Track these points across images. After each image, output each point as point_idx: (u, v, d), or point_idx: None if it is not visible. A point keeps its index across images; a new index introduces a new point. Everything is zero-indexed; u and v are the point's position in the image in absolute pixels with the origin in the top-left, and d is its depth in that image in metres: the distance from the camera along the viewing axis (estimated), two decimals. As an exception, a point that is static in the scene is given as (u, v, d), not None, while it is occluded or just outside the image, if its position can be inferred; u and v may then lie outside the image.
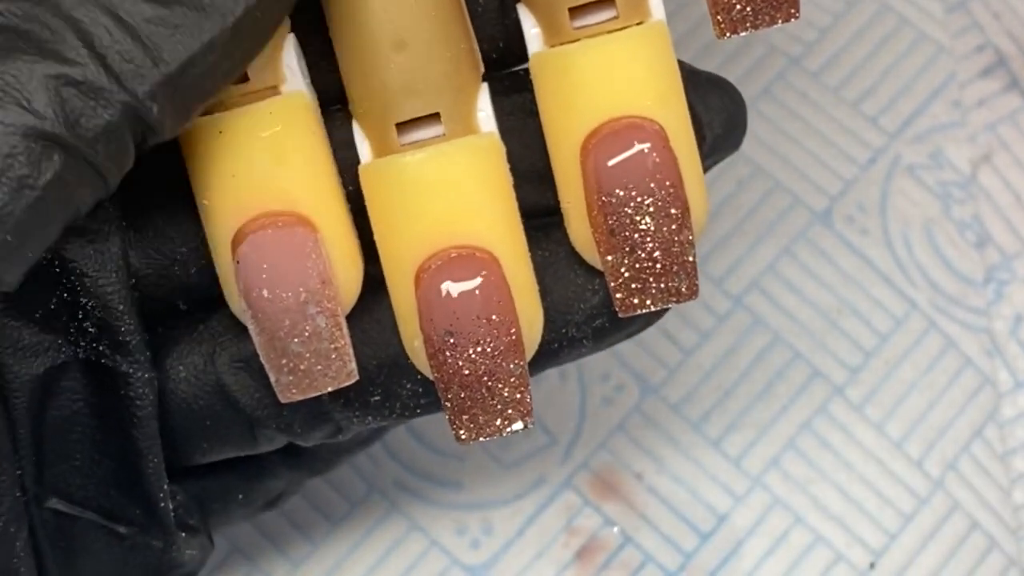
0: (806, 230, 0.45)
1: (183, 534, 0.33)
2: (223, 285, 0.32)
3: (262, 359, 0.30)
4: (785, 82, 0.46)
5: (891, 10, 0.47)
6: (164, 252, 0.32)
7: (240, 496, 0.35)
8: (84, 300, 0.31)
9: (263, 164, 0.30)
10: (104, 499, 0.32)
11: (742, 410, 0.43)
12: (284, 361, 0.30)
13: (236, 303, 0.31)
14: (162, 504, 0.32)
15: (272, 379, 0.31)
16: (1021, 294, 0.45)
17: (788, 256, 0.45)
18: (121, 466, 0.32)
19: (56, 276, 0.31)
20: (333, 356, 0.30)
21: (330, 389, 0.31)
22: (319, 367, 0.30)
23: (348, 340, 0.31)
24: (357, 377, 0.31)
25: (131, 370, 0.32)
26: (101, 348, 0.32)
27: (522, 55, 0.32)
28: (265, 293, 0.30)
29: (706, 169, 0.32)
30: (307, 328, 0.30)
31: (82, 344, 0.32)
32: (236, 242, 0.30)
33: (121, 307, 0.31)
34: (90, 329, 0.32)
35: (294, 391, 0.31)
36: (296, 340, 0.30)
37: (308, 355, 0.30)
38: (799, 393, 0.43)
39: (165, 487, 0.32)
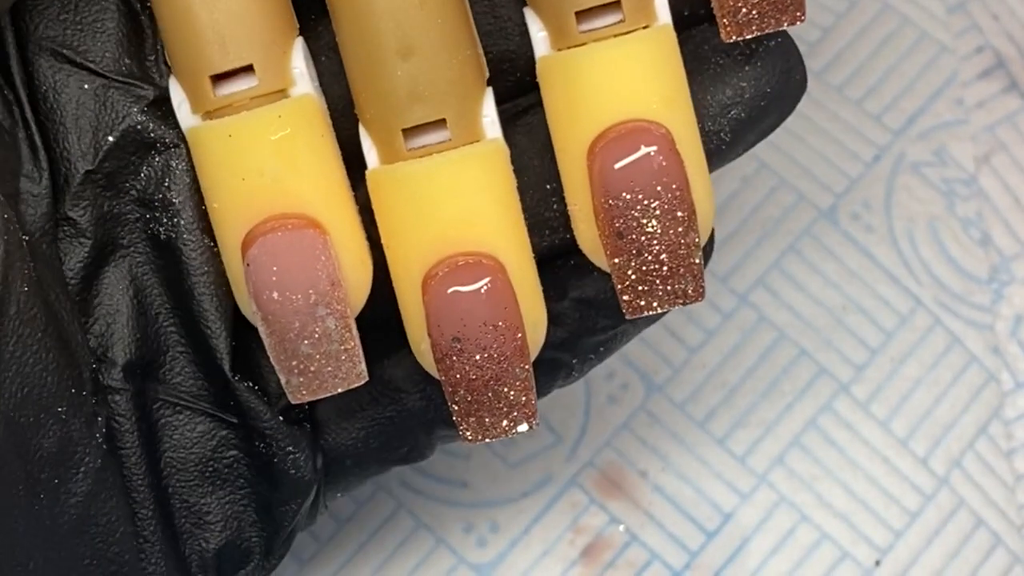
0: (811, 227, 0.45)
1: (280, 418, 0.34)
2: (233, 288, 0.32)
3: (272, 361, 0.31)
4: (789, 80, 0.46)
5: (893, 10, 0.47)
6: None
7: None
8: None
9: (272, 167, 0.31)
10: (210, 387, 0.33)
11: (747, 408, 0.43)
12: (294, 363, 0.31)
13: (247, 305, 0.32)
14: (238, 391, 0.33)
15: (283, 381, 0.31)
16: (1021, 295, 0.45)
17: (793, 253, 0.45)
18: (198, 349, 0.33)
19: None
20: (343, 357, 0.31)
21: (340, 390, 0.31)
22: (329, 368, 0.31)
23: (358, 341, 0.31)
24: (367, 378, 0.31)
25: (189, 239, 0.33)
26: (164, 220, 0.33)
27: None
28: (275, 295, 0.30)
29: (770, 131, 0.33)
30: (317, 330, 0.30)
31: (175, 222, 0.33)
32: (246, 245, 0.31)
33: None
34: (174, 200, 0.33)
35: (304, 392, 0.31)
36: (306, 342, 0.31)
37: (318, 356, 0.31)
38: (804, 390, 0.44)
39: (236, 379, 0.33)
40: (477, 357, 0.31)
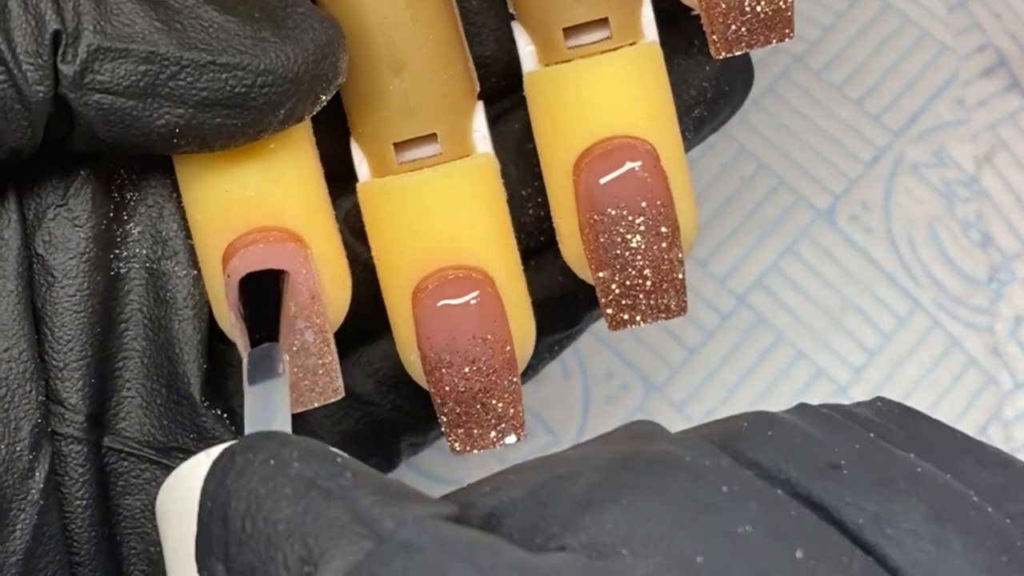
0: (810, 228, 0.46)
1: None
2: (212, 300, 0.33)
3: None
4: (788, 80, 0.47)
5: (893, 8, 0.48)
6: None
7: None
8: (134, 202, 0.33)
9: (256, 181, 0.32)
10: (158, 431, 0.34)
11: (746, 409, 0.44)
12: None
13: (225, 318, 0.33)
14: (204, 419, 0.34)
15: None
16: (1021, 295, 0.46)
17: (792, 254, 0.46)
18: (170, 390, 0.34)
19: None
20: (321, 372, 0.32)
21: (316, 405, 0.32)
22: (306, 382, 0.32)
23: (336, 356, 0.32)
24: (343, 394, 0.32)
25: (175, 268, 0.33)
26: (146, 252, 0.33)
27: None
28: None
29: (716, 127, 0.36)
30: (295, 343, 0.32)
31: (127, 254, 0.33)
32: (227, 256, 0.32)
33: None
34: (134, 231, 0.33)
35: None
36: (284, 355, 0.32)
37: (295, 370, 0.32)
38: (803, 392, 0.45)
39: (205, 404, 0.34)
40: (466, 370, 0.32)
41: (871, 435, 0.26)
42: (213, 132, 0.31)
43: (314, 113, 0.32)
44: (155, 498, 0.34)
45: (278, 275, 0.32)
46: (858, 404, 0.28)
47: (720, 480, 0.24)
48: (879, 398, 0.28)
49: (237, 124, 0.31)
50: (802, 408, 0.27)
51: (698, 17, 0.35)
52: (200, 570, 0.25)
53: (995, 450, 0.27)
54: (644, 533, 0.23)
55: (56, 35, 0.30)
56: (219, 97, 0.30)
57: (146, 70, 0.30)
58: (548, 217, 0.35)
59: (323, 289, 0.32)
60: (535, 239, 0.35)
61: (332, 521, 0.24)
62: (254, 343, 0.31)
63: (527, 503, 0.25)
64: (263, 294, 0.31)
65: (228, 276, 0.32)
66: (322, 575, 0.23)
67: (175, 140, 0.31)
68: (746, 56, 0.35)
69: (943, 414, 0.44)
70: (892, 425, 0.27)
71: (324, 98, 0.31)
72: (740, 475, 0.25)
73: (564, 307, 0.36)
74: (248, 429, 0.29)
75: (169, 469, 0.33)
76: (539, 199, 0.35)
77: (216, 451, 0.26)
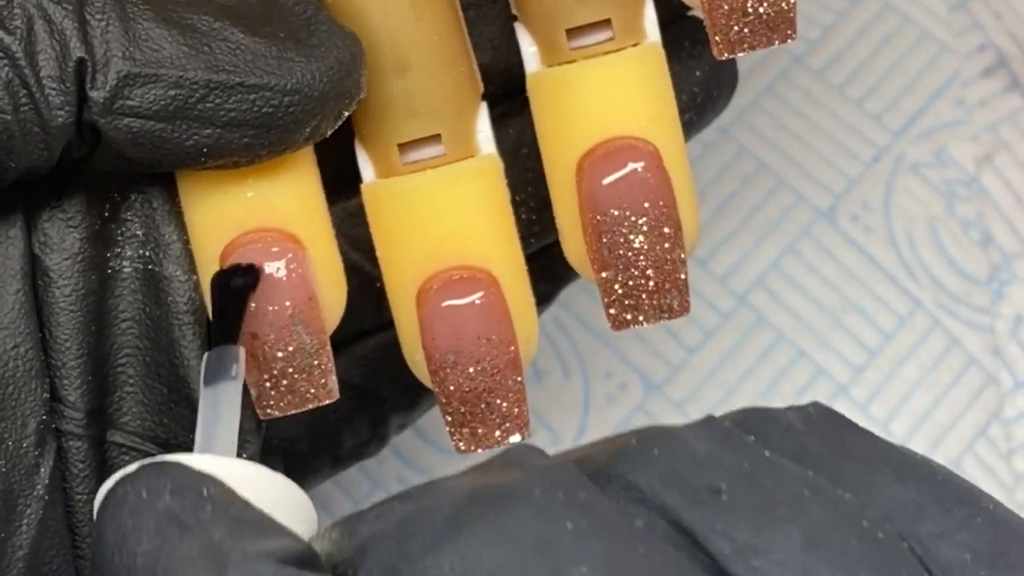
0: (810, 228, 0.47)
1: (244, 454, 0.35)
2: (207, 302, 0.33)
3: (244, 375, 0.32)
4: (789, 80, 0.48)
5: (894, 8, 0.49)
6: None
7: None
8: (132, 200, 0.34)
9: (254, 182, 0.32)
10: (159, 428, 0.34)
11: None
12: (266, 376, 0.32)
13: None
14: None
15: (253, 395, 0.33)
16: (1021, 295, 0.46)
17: (792, 254, 0.46)
18: (171, 390, 0.34)
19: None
20: (316, 374, 0.32)
21: (310, 407, 0.33)
22: (301, 385, 0.32)
23: (331, 358, 0.33)
24: (337, 396, 0.33)
25: (176, 272, 0.34)
26: (147, 253, 0.34)
27: None
28: (251, 305, 0.32)
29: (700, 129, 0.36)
30: (292, 343, 0.32)
31: (130, 253, 0.34)
32: (225, 256, 0.32)
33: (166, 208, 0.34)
34: (137, 232, 0.34)
35: (274, 408, 0.33)
36: (279, 354, 0.32)
37: (291, 371, 0.32)
38: (803, 392, 0.45)
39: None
40: (471, 370, 0.33)
41: (766, 453, 0.26)
42: (240, 150, 0.31)
43: (335, 128, 0.32)
44: None
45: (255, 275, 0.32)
46: (790, 408, 0.27)
47: (566, 515, 0.24)
48: (814, 403, 0.28)
49: (264, 143, 0.31)
50: (706, 422, 0.26)
51: (688, 21, 0.36)
52: None
53: (920, 460, 0.27)
54: (476, 574, 0.24)
55: (80, 62, 0.30)
56: (247, 117, 0.31)
57: (175, 94, 0.31)
58: (540, 221, 0.36)
59: (319, 291, 0.32)
60: (527, 242, 0.35)
61: (183, 557, 0.25)
62: (211, 344, 0.31)
63: (392, 538, 0.25)
64: (239, 296, 0.32)
65: None
66: None
67: (203, 159, 0.31)
68: (732, 60, 0.36)
69: (943, 414, 0.45)
70: (814, 435, 0.27)
71: (346, 114, 0.32)
72: (593, 509, 0.24)
73: (544, 285, 0.37)
74: (198, 433, 0.30)
75: None
76: (532, 204, 0.36)
77: (114, 479, 0.27)
